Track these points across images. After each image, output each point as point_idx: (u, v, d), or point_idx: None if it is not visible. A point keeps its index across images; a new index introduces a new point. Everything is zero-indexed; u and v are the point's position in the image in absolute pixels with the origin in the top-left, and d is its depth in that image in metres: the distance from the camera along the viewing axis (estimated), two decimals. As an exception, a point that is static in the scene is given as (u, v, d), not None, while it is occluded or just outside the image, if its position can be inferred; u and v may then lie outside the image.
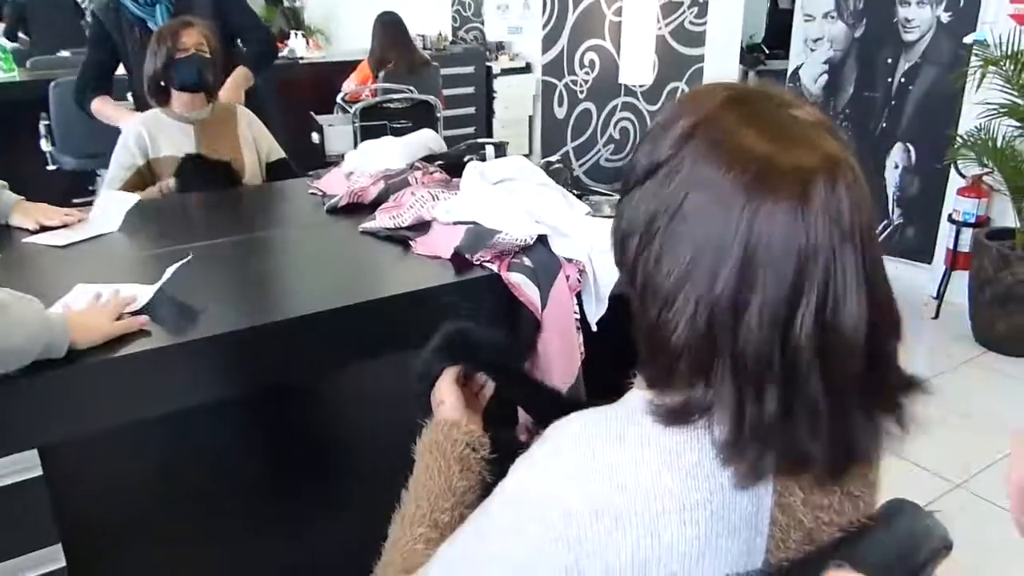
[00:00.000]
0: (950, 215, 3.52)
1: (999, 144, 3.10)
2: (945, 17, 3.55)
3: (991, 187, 3.38)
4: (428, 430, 0.93)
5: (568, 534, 0.60)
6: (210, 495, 1.32)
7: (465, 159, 1.85)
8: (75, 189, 3.98)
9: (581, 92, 2.43)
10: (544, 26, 2.21)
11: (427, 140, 1.99)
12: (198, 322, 1.24)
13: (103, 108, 2.69)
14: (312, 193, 1.96)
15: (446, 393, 0.96)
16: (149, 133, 2.25)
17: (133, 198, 1.77)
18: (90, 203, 3.89)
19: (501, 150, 1.87)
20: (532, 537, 0.62)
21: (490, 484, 0.87)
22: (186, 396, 1.19)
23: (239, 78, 2.71)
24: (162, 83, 2.26)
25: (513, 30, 4.13)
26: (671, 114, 0.66)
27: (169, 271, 1.27)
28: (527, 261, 1.39)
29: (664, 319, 0.60)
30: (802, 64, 4.14)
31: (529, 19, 3.84)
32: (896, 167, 3.84)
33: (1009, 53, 3.03)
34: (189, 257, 1.31)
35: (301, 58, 5.59)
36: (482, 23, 5.93)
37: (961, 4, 3.47)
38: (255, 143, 2.42)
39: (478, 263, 1.40)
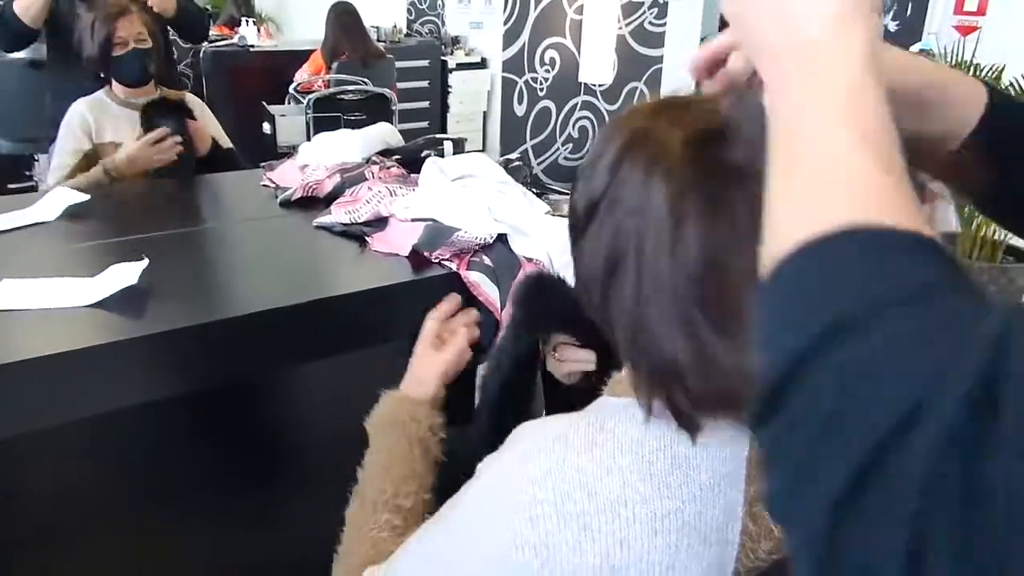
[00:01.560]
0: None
1: (943, 151, 3.18)
2: (892, 26, 3.63)
3: (935, 193, 3.47)
4: (388, 403, 0.92)
5: (535, 540, 0.59)
6: (158, 494, 1.28)
7: (423, 154, 1.82)
8: (12, 174, 3.85)
9: (541, 90, 2.43)
10: (505, 22, 2.19)
11: (384, 134, 1.96)
12: (144, 318, 1.19)
13: None
14: (265, 185, 1.91)
15: (431, 374, 0.95)
16: (94, 117, 2.18)
17: (83, 197, 1.69)
18: (27, 188, 3.76)
19: (459, 146, 1.85)
20: (499, 541, 0.61)
21: (442, 464, 0.88)
22: (132, 394, 1.14)
23: None
24: (102, 73, 2.19)
25: (474, 25, 4.10)
26: (597, 146, 0.62)
27: (125, 275, 1.22)
28: (486, 260, 1.37)
29: (645, 344, 0.59)
30: (755, 68, 4.20)
31: (491, 14, 3.82)
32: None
33: (953, 64, 3.12)
34: (145, 263, 1.26)
35: (252, 46, 5.48)
36: (438, 16, 5.89)
37: (908, 14, 3.56)
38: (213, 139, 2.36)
39: (437, 261, 1.38)
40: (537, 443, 0.63)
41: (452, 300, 1.04)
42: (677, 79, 2.88)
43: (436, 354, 0.98)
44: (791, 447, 0.28)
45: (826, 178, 0.33)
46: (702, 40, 6.11)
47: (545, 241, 1.42)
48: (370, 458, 0.89)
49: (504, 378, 0.96)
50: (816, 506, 0.26)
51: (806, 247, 0.31)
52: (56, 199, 1.68)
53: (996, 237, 3.09)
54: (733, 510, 0.63)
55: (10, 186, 3.79)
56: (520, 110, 2.36)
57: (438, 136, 1.89)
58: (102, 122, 2.19)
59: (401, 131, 2.33)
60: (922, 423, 0.24)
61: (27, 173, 3.98)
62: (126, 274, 1.23)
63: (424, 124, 5.60)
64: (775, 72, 0.40)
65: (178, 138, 2.09)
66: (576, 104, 2.52)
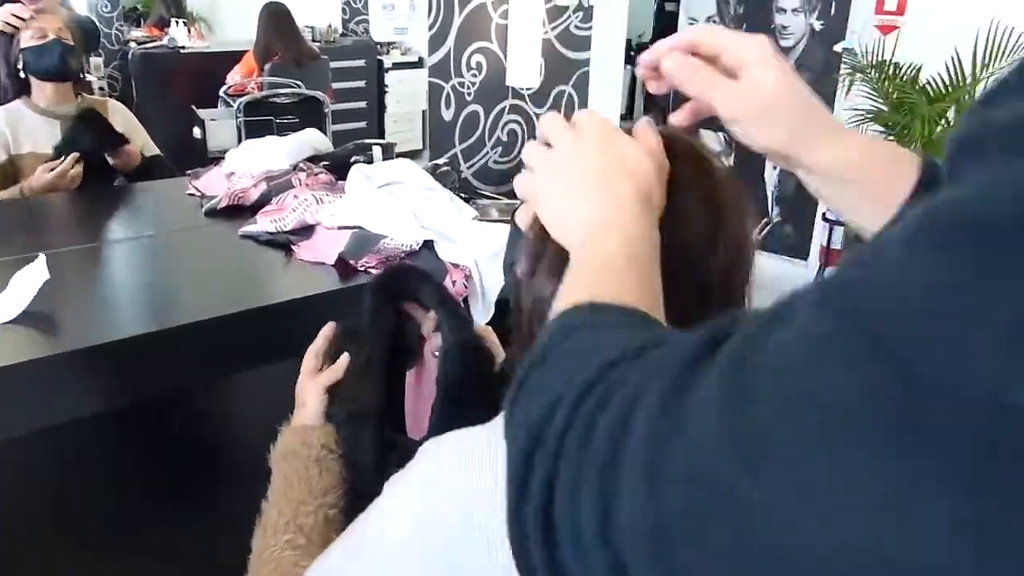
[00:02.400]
0: (824, 214, 3.71)
1: (866, 147, 3.28)
2: (817, 25, 3.72)
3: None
4: (282, 437, 0.92)
5: (442, 558, 0.60)
6: (90, 508, 1.25)
7: (352, 160, 1.82)
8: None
9: (468, 94, 2.43)
10: (430, 27, 2.19)
11: (312, 140, 1.94)
12: (62, 334, 1.17)
13: None
14: (190, 194, 1.88)
15: (309, 394, 0.94)
16: (10, 127, 2.11)
17: None
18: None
19: (389, 152, 1.84)
20: (408, 557, 0.61)
21: (348, 480, 0.88)
22: (60, 411, 1.12)
23: None
24: (21, 72, 2.12)
25: (399, 31, 4.12)
26: None
27: (33, 277, 1.18)
28: (413, 267, 1.37)
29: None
30: (687, 66, 4.27)
31: (415, 20, 3.84)
32: (775, 168, 4.01)
33: (874, 63, 3.22)
34: (42, 257, 1.22)
35: (182, 47, 5.36)
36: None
37: (832, 13, 3.66)
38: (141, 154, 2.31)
39: (363, 269, 1.37)
40: (444, 459, 0.64)
41: (328, 329, 1.03)
42: (604, 82, 2.93)
43: (313, 376, 0.97)
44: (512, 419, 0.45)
45: (584, 278, 0.52)
46: (630, 42, 6.20)
47: (472, 247, 1.43)
48: (270, 492, 0.89)
49: (370, 354, 0.96)
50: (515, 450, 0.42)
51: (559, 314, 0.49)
52: None
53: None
54: None
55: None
56: (448, 114, 2.36)
57: (367, 141, 1.88)
58: (19, 133, 2.12)
59: (337, 132, 2.31)
60: (556, 409, 0.40)
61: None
62: (35, 275, 1.19)
63: (361, 125, 5.55)
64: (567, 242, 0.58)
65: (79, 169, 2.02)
66: (504, 108, 2.54)
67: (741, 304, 0.66)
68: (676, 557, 0.33)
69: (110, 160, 2.11)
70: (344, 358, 0.95)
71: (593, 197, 0.58)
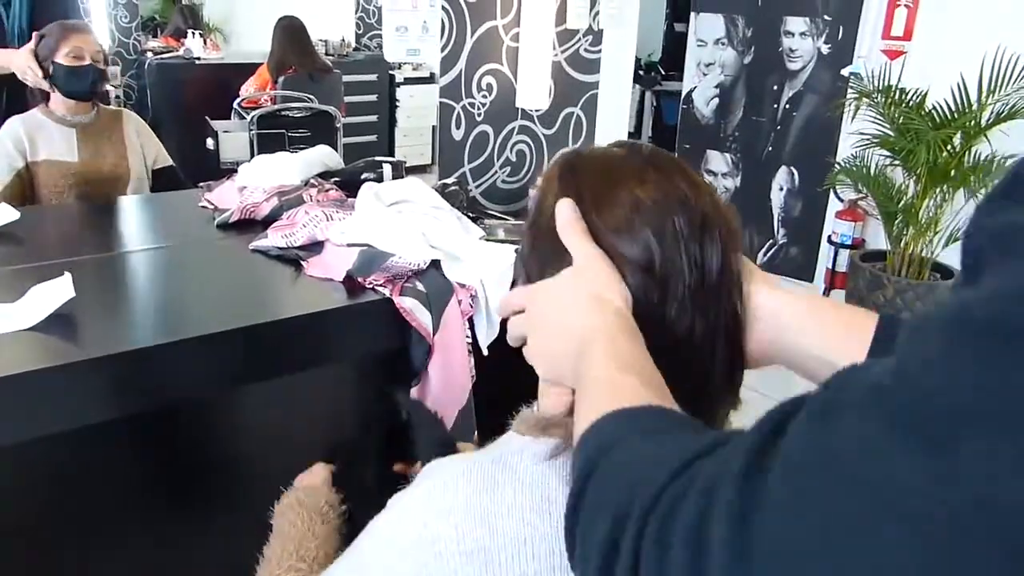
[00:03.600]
0: (829, 236, 3.73)
1: (872, 172, 3.31)
2: (825, 49, 3.76)
3: (866, 211, 3.61)
4: (286, 496, 0.99)
5: (439, 572, 0.62)
6: (93, 518, 1.28)
7: (362, 177, 1.85)
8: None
9: (479, 115, 2.47)
10: (442, 49, 2.23)
11: (323, 156, 1.98)
12: (78, 343, 1.20)
13: None
14: (203, 206, 1.92)
15: (315, 474, 1.03)
16: (28, 134, 2.16)
17: (14, 215, 1.68)
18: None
19: (399, 169, 1.88)
20: (406, 571, 0.63)
21: (346, 535, 0.93)
22: (66, 419, 1.14)
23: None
24: (48, 83, 2.17)
25: (411, 52, 4.21)
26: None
27: (58, 292, 1.21)
28: (419, 286, 1.40)
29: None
30: (695, 87, 4.30)
31: (427, 41, 3.92)
32: (781, 189, 4.04)
33: (881, 87, 3.24)
34: (68, 276, 1.26)
35: (198, 58, 5.43)
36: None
37: (839, 37, 3.69)
38: (142, 149, 2.35)
39: (370, 287, 1.40)
40: (443, 479, 0.66)
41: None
42: (612, 103, 2.96)
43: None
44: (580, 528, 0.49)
45: (596, 392, 0.57)
46: (639, 61, 6.21)
47: (478, 267, 1.46)
48: (271, 540, 0.94)
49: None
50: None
51: (589, 426, 0.53)
52: None
53: (923, 255, 3.22)
54: None
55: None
56: (458, 134, 2.40)
57: (377, 159, 1.91)
58: (36, 140, 2.17)
59: (348, 145, 2.34)
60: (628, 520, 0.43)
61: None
62: (58, 290, 1.22)
63: (372, 138, 5.61)
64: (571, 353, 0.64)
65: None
66: (514, 128, 2.57)
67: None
68: None
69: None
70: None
71: (560, 333, 0.65)
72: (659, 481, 0.42)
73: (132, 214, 2.07)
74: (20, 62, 2.18)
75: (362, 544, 0.70)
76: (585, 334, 0.61)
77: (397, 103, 5.72)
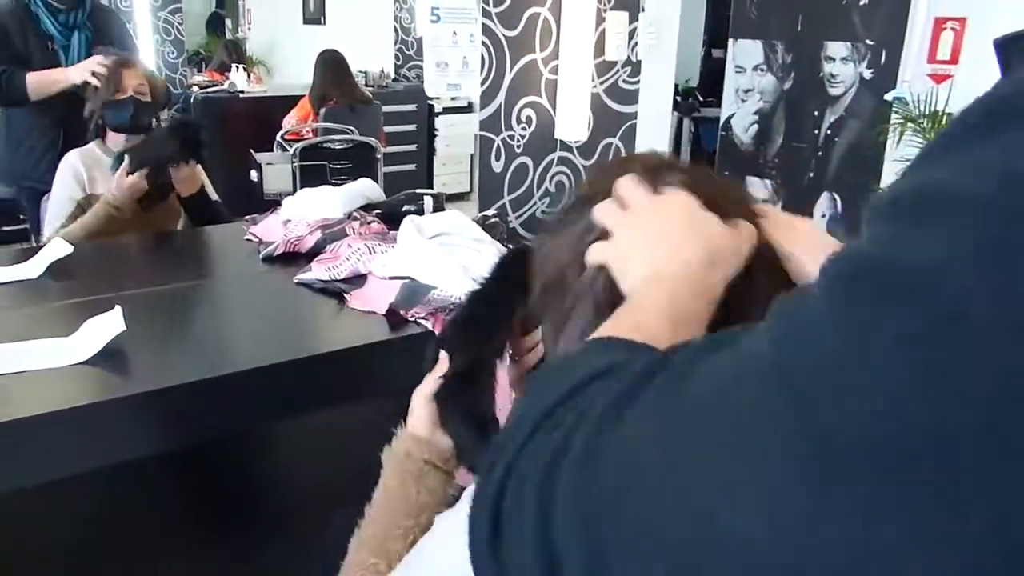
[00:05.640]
0: (873, 263, 3.66)
1: (918, 198, 3.24)
2: (867, 74, 3.72)
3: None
4: (397, 437, 0.87)
5: None
6: (139, 551, 1.29)
7: (403, 209, 1.87)
8: (7, 217, 3.88)
9: (518, 147, 2.48)
10: (483, 83, 2.26)
11: (365, 189, 2.00)
12: (126, 377, 1.22)
13: (40, 78, 2.55)
14: (248, 239, 1.95)
15: (416, 404, 0.88)
16: (86, 167, 2.22)
17: (67, 250, 1.72)
18: (21, 232, 3.76)
19: (439, 201, 1.89)
20: None
21: (453, 501, 0.83)
22: (114, 453, 1.16)
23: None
24: (99, 120, 2.24)
25: (452, 87, 4.31)
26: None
27: (109, 325, 1.24)
28: (461, 318, 1.40)
29: None
30: (733, 114, 4.28)
31: (467, 76, 4.01)
32: (823, 216, 3.98)
33: (926, 112, 3.19)
34: (119, 310, 1.28)
35: (242, 92, 5.55)
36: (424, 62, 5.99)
37: (882, 62, 3.65)
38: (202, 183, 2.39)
39: (413, 320, 1.41)
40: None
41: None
42: (651, 134, 2.96)
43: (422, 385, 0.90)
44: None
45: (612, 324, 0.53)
46: (677, 88, 6.21)
47: (519, 299, 1.46)
48: (375, 493, 0.85)
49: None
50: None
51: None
52: (43, 255, 1.70)
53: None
54: None
55: (4, 228, 3.83)
56: (498, 167, 2.42)
57: (418, 191, 1.93)
58: (94, 173, 2.23)
59: (387, 175, 2.37)
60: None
61: (21, 216, 4.00)
62: (109, 324, 1.25)
63: (411, 167, 5.67)
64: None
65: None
66: (553, 160, 2.59)
67: None
68: (599, 533, 0.36)
69: (173, 176, 2.14)
70: (444, 361, 0.88)
71: (657, 253, 0.59)
72: (557, 394, 0.43)
73: (179, 248, 2.11)
74: (80, 67, 2.24)
75: (416, 559, 0.70)
76: (667, 269, 0.57)
77: (436, 132, 5.79)
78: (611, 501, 0.36)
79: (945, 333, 0.28)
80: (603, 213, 0.63)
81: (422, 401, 0.87)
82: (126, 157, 2.08)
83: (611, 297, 0.61)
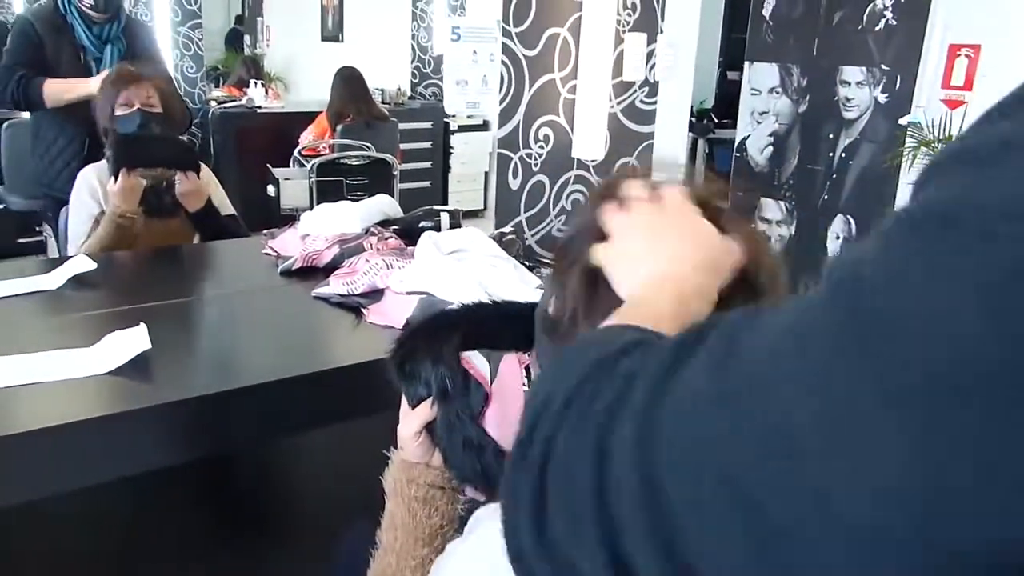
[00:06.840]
0: (887, 286, 3.65)
1: (932, 222, 3.24)
2: (882, 98, 3.73)
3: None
4: (391, 466, 0.89)
5: None
6: (152, 562, 1.30)
7: (420, 225, 1.88)
8: (24, 230, 3.92)
9: (535, 165, 2.51)
10: (501, 101, 2.28)
11: (383, 205, 2.02)
12: (146, 389, 1.23)
13: (58, 86, 2.58)
14: (266, 253, 1.97)
15: (404, 438, 0.89)
16: (101, 182, 2.24)
17: (91, 266, 1.73)
18: (37, 243, 3.81)
19: (456, 217, 1.91)
20: None
21: (464, 517, 0.84)
22: (127, 465, 1.17)
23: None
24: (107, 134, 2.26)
25: (471, 104, 4.35)
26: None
27: (134, 342, 1.25)
28: (478, 334, 1.41)
29: None
30: (748, 135, 4.29)
31: (486, 94, 4.06)
32: (838, 238, 3.98)
33: (941, 137, 3.20)
34: (143, 327, 1.30)
35: (259, 107, 5.61)
36: (441, 80, 6.04)
37: (897, 87, 3.66)
38: (208, 197, 2.41)
39: (429, 335, 1.41)
40: (489, 533, 0.66)
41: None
42: (667, 153, 2.98)
43: (409, 414, 0.91)
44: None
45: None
46: (692, 109, 6.24)
47: (535, 316, 1.47)
48: (383, 522, 0.87)
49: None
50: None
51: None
52: (65, 269, 1.71)
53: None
54: None
55: (20, 240, 3.88)
56: (515, 184, 2.44)
57: (435, 208, 1.95)
58: (109, 188, 2.25)
59: (403, 191, 2.39)
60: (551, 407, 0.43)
61: (37, 228, 4.05)
62: (134, 340, 1.26)
63: (426, 184, 5.70)
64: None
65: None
66: (569, 178, 2.61)
67: None
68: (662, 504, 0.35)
69: (178, 188, 2.13)
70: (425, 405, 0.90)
71: (660, 255, 0.61)
72: (589, 364, 0.44)
73: (197, 261, 2.13)
74: (99, 78, 2.27)
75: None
76: (670, 271, 0.59)
77: (451, 150, 5.82)
78: (686, 460, 0.35)
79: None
80: (604, 213, 0.65)
81: (410, 436, 0.88)
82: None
83: (599, 296, 0.64)
